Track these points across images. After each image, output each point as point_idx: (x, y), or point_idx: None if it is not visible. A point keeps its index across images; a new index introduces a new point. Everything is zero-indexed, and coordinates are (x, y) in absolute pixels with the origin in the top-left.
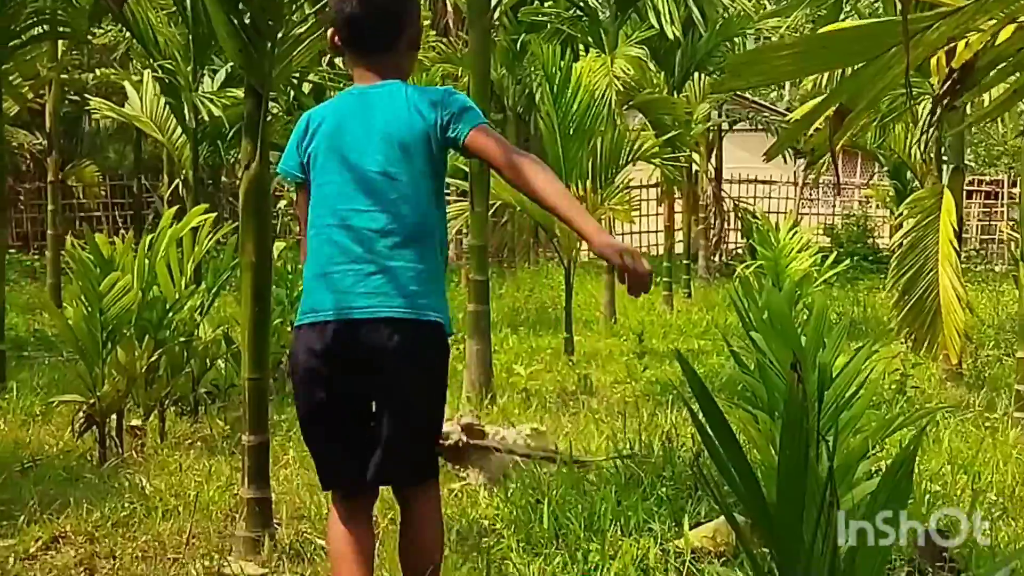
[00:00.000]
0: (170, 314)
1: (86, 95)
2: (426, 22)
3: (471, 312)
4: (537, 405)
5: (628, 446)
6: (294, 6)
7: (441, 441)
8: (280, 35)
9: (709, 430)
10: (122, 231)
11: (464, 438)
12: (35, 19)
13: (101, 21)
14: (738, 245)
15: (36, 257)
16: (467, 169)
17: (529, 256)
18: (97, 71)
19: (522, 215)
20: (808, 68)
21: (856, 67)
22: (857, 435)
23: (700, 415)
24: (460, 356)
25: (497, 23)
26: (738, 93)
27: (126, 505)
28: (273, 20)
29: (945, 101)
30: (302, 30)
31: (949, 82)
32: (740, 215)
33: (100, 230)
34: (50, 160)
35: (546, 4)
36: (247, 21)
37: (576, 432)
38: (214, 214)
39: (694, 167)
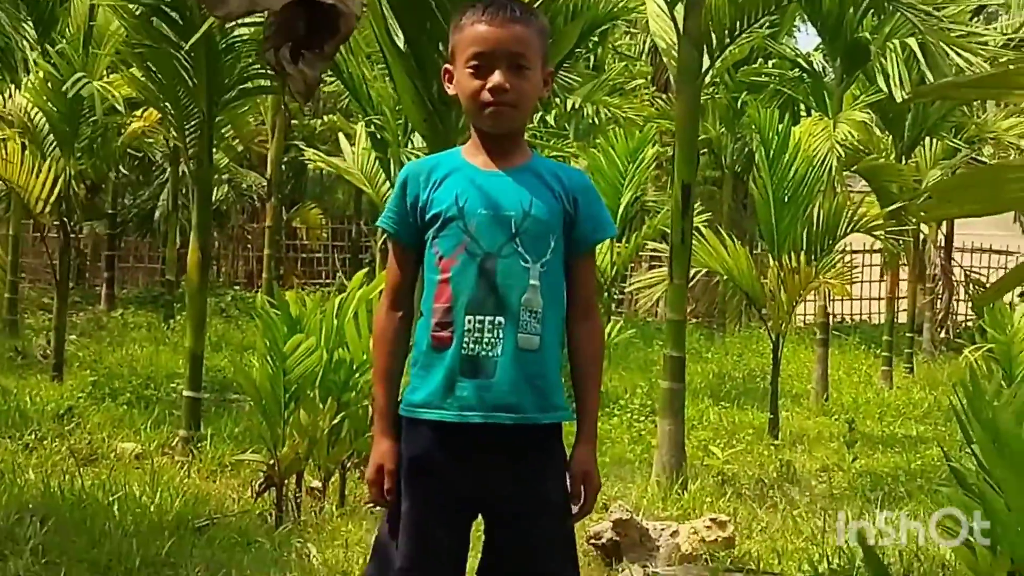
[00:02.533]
0: (356, 375)
1: (314, 141)
2: (645, 77)
3: (665, 390)
4: (732, 494)
5: (825, 557)
6: None
7: (592, 541)
8: None
9: None
10: (339, 274)
11: (615, 537)
12: (248, 73)
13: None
14: (968, 318)
15: (258, 295)
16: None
17: (740, 320)
18: (325, 117)
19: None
20: None
21: None
22: None
23: None
24: (653, 432)
25: (717, 80)
26: (974, 157)
27: None
28: None
29: None
30: None
31: None
32: (971, 287)
33: (320, 271)
34: (268, 206)
35: (769, 64)
36: (434, 91)
37: (771, 530)
38: None
39: (922, 234)
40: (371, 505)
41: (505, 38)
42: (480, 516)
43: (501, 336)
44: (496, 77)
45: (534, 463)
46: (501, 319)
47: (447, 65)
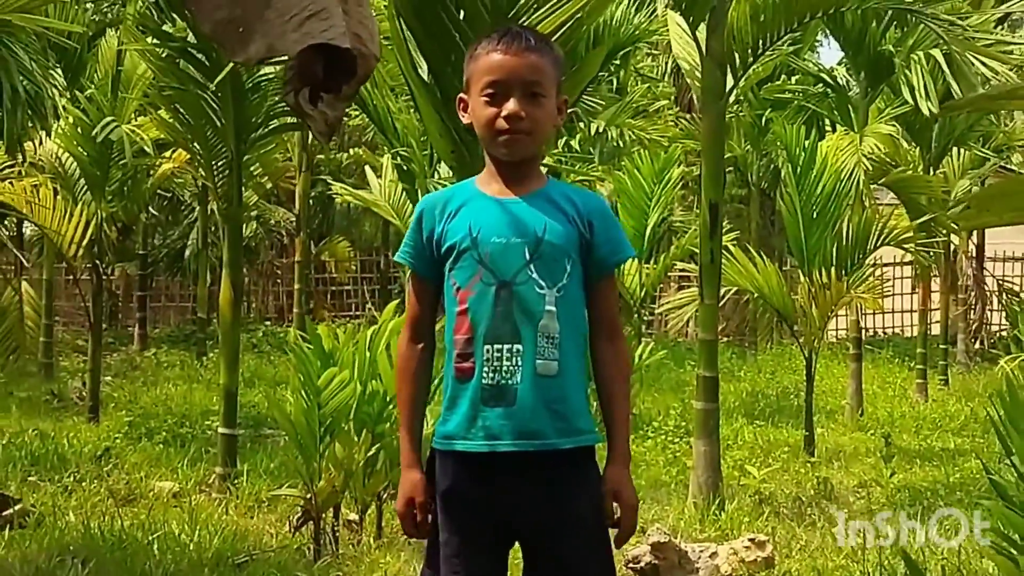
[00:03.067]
0: (390, 407)
1: (340, 175)
2: (669, 98)
3: (699, 410)
4: (769, 513)
5: (866, 574)
6: None
7: (631, 565)
8: None
9: None
10: (369, 305)
11: (654, 561)
12: (274, 112)
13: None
14: (1002, 328)
15: (289, 329)
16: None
17: (771, 337)
18: (351, 151)
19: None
20: None
21: None
22: None
23: None
24: (688, 454)
25: (741, 99)
26: (1004, 166)
27: None
28: None
29: None
30: None
31: None
32: (1004, 297)
33: (350, 304)
34: (297, 240)
35: (793, 80)
36: (460, 123)
37: (811, 549)
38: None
39: (953, 245)
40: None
41: (520, 66)
42: (517, 543)
43: (519, 363)
44: (511, 105)
45: (562, 487)
46: (519, 347)
47: (462, 95)
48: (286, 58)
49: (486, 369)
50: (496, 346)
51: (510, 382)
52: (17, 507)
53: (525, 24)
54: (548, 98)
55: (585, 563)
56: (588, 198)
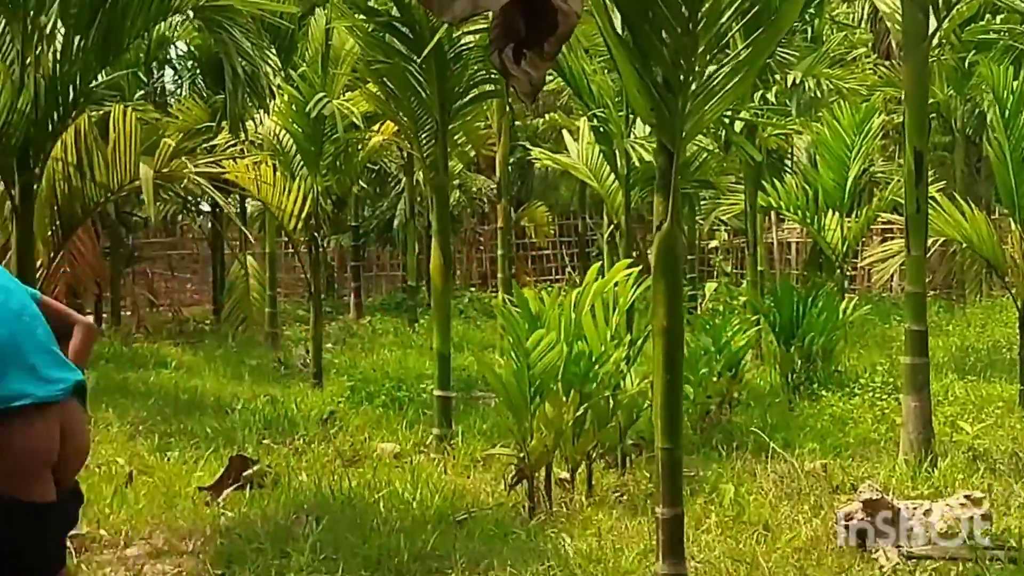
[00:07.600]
0: (596, 367)
1: (537, 140)
2: (866, 45)
3: (908, 365)
4: (985, 469)
5: None
6: (709, 57)
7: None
8: (693, 88)
9: None
10: (568, 269)
11: (866, 518)
12: (475, 80)
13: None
14: None
15: (494, 295)
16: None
17: (981, 289)
18: (546, 116)
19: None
20: None
21: None
22: None
23: None
24: (897, 410)
25: (944, 42)
26: None
27: (547, 570)
28: (685, 76)
29: None
30: (716, 81)
31: None
32: None
33: (549, 268)
34: (499, 207)
35: (997, 19)
36: (658, 79)
37: None
38: (638, 267)
39: None
40: (618, 494)
41: None
42: None
43: None
44: None
45: None
46: None
47: None
48: (489, 17)
49: None
50: None
51: None
52: (255, 468)
53: None
54: None
55: None
56: None
